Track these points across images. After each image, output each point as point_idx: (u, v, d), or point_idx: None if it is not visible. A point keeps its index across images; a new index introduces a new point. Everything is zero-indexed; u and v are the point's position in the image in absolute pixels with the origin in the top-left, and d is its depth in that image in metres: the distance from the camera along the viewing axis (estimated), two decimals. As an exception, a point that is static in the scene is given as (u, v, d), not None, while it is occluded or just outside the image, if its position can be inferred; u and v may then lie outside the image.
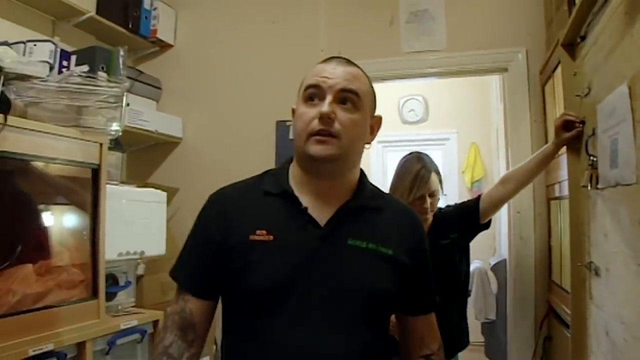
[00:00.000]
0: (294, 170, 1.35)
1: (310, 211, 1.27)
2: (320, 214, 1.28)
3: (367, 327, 1.27)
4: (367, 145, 1.35)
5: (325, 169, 1.28)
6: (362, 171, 1.39)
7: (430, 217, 2.33)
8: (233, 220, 1.28)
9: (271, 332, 1.21)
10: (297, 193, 1.30)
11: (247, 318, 1.25)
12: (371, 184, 1.41)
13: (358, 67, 1.33)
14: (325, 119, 1.22)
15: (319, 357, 1.19)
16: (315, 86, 1.26)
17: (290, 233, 1.26)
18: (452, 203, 2.55)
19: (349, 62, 1.33)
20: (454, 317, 2.21)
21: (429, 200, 2.28)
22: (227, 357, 1.31)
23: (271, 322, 1.21)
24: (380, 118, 1.39)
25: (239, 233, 1.26)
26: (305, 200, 1.29)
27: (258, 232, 1.24)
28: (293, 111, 1.35)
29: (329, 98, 1.24)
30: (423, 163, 2.33)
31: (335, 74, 1.27)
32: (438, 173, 2.37)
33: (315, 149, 1.23)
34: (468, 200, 2.41)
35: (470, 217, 2.33)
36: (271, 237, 1.24)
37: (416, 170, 2.30)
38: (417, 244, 1.40)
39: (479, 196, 2.38)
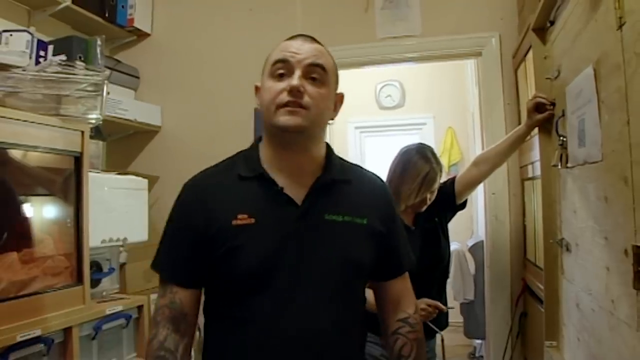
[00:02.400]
0: (264, 150, 1.37)
1: (286, 190, 1.31)
2: (296, 192, 1.31)
3: (350, 299, 1.34)
4: (330, 121, 1.39)
5: (294, 140, 1.31)
6: (328, 145, 1.42)
7: (424, 208, 2.35)
8: (213, 208, 1.30)
9: (259, 312, 1.25)
10: (270, 174, 1.32)
11: (233, 301, 1.28)
12: (338, 156, 1.44)
13: (323, 45, 1.38)
14: (295, 91, 1.25)
15: (306, 333, 1.25)
16: (284, 61, 1.30)
17: (270, 215, 1.29)
18: None
19: (314, 39, 1.37)
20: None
21: (429, 196, 2.30)
22: (212, 341, 1.35)
23: (258, 303, 1.25)
24: (342, 95, 1.42)
25: (221, 219, 1.27)
26: (279, 180, 1.31)
27: (239, 216, 1.27)
28: (257, 88, 1.38)
29: (297, 72, 1.27)
30: (430, 164, 2.29)
31: (302, 50, 1.31)
32: (441, 170, 2.36)
33: (285, 118, 1.26)
34: (444, 182, 2.44)
35: (447, 200, 2.38)
36: (252, 221, 1.27)
37: (425, 173, 2.27)
38: (387, 209, 1.45)
39: (454, 177, 2.43)
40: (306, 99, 1.26)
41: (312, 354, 1.26)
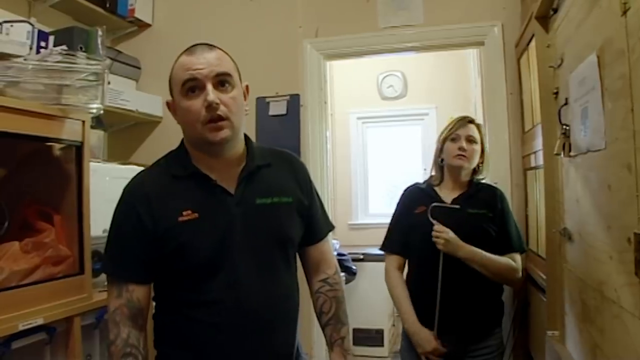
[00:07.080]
0: (191, 151, 1.48)
1: (219, 183, 1.44)
2: (228, 183, 1.45)
3: (288, 267, 1.53)
4: (246, 110, 1.51)
5: (223, 149, 1.44)
6: (245, 135, 1.54)
7: (466, 164, 2.31)
8: (158, 208, 1.40)
9: (216, 294, 1.39)
10: (202, 170, 1.45)
11: (191, 287, 1.40)
12: (255, 143, 1.58)
13: (219, 48, 1.47)
14: (213, 106, 1.36)
15: (260, 304, 1.41)
16: (192, 79, 1.38)
17: (211, 207, 1.42)
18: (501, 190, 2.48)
19: (211, 46, 1.45)
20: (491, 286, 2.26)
21: (465, 144, 2.30)
22: (170, 325, 1.45)
23: (214, 286, 1.39)
24: (247, 85, 1.53)
25: (168, 218, 1.39)
26: (210, 174, 1.45)
27: (184, 213, 1.39)
28: (168, 104, 1.50)
29: (209, 87, 1.37)
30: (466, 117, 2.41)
31: (205, 63, 1.39)
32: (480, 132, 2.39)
33: (212, 135, 1.38)
34: (511, 241, 2.34)
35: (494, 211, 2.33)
36: (196, 215, 1.39)
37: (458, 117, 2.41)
38: (306, 181, 1.62)
39: (514, 251, 2.34)
40: (223, 110, 1.37)
41: (268, 321, 1.42)
